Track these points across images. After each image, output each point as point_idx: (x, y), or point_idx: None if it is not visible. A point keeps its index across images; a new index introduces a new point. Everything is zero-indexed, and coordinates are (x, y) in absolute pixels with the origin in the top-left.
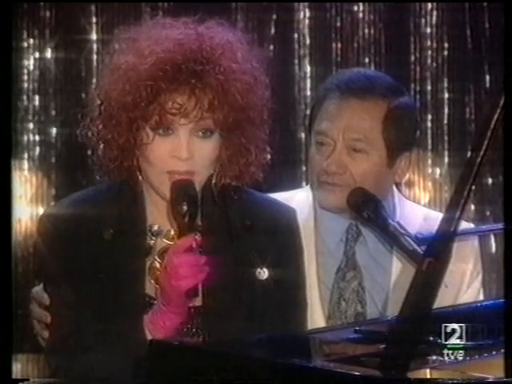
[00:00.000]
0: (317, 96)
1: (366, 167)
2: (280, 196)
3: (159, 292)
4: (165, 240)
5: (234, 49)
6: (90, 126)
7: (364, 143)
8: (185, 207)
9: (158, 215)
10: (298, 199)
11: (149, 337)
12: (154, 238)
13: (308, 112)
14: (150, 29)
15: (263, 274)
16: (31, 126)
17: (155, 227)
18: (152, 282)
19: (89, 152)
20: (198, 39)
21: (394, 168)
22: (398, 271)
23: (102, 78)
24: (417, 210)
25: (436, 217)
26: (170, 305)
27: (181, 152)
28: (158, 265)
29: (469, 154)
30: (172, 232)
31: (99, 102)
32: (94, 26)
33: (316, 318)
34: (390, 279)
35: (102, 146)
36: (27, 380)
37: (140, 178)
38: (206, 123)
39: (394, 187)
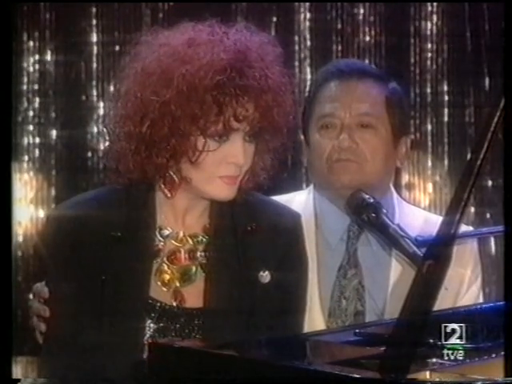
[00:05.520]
0: (315, 82)
1: (375, 142)
2: (280, 198)
3: None
4: (173, 242)
5: (278, 54)
6: (119, 127)
7: (371, 117)
8: None
9: (171, 217)
10: (298, 200)
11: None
12: (162, 239)
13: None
14: (187, 34)
15: (265, 277)
16: (31, 128)
17: (165, 229)
18: (159, 283)
19: (89, 154)
20: (250, 46)
21: (397, 149)
22: (398, 271)
23: (140, 81)
24: (416, 212)
25: (435, 220)
26: None
27: (238, 158)
28: (165, 267)
29: (469, 156)
30: (181, 234)
31: (137, 104)
32: (95, 28)
33: (316, 316)
34: (390, 279)
35: (144, 150)
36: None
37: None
38: (256, 128)
39: (393, 189)
